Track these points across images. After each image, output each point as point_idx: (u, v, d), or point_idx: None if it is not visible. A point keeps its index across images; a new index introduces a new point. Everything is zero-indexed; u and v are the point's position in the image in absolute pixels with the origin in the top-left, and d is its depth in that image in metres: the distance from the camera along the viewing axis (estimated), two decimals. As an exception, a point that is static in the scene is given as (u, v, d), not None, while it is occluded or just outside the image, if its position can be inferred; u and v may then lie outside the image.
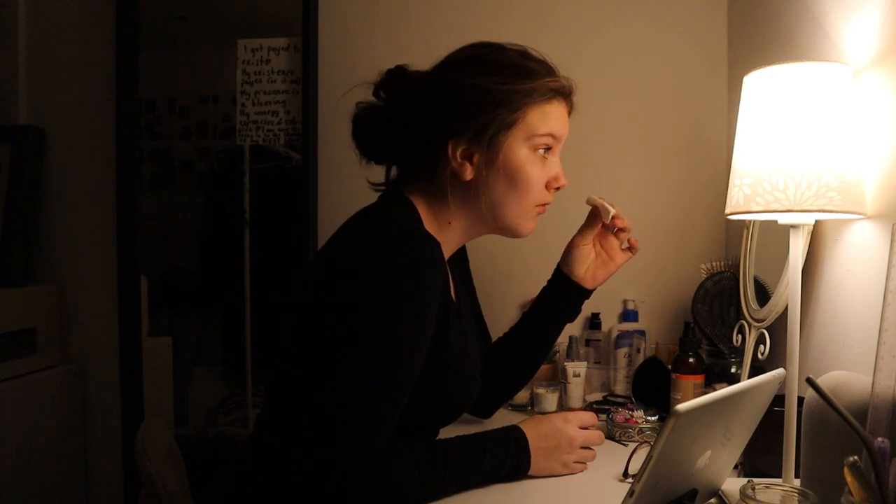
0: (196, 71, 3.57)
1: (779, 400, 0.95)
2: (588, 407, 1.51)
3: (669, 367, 1.38)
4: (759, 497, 0.73)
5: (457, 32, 1.83)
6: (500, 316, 1.84)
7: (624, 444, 1.30)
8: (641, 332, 1.71)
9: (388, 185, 1.12)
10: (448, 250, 1.09)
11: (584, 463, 1.11)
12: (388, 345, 0.82)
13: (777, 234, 1.18)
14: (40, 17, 1.90)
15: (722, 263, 1.54)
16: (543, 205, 1.08)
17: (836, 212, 0.95)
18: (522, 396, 1.56)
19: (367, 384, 0.81)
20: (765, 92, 0.99)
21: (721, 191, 1.18)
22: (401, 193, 1.06)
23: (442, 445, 0.95)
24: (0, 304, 1.69)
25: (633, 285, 1.80)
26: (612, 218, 1.16)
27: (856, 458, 0.61)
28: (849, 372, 0.90)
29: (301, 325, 0.92)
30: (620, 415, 1.35)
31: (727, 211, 1.04)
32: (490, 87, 0.99)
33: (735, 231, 1.65)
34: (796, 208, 0.94)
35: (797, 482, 0.93)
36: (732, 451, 0.92)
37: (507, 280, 1.84)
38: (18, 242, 1.82)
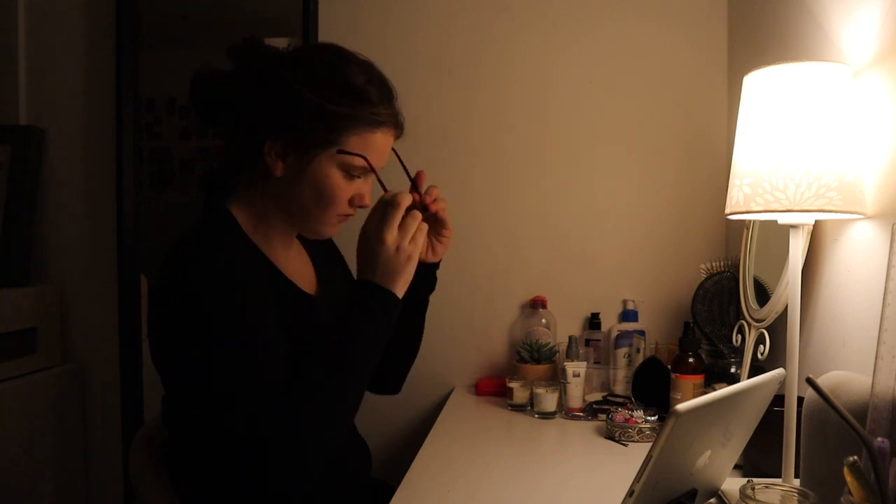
0: (196, 71, 3.56)
1: (779, 400, 0.95)
2: (588, 407, 1.51)
3: (669, 367, 1.38)
4: (758, 497, 0.73)
5: (457, 32, 1.85)
6: (502, 314, 1.85)
7: (624, 444, 1.30)
8: (641, 332, 1.71)
9: (217, 180, 1.14)
10: (281, 241, 1.11)
11: (411, 225, 1.02)
12: (227, 335, 0.94)
13: (777, 234, 1.18)
14: (40, 17, 1.90)
15: (722, 263, 1.54)
16: (346, 215, 1.09)
17: (836, 212, 0.95)
18: (522, 396, 1.56)
19: (231, 364, 0.93)
20: (764, 92, 0.99)
21: (721, 191, 1.18)
22: (220, 204, 1.09)
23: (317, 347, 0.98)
24: (0, 304, 1.69)
25: (633, 285, 1.80)
26: (425, 204, 1.12)
27: (856, 458, 0.61)
28: (849, 372, 0.91)
29: (157, 343, 1.03)
30: (620, 415, 1.35)
31: (727, 211, 1.04)
32: (316, 103, 0.99)
33: (735, 231, 1.65)
34: (796, 208, 0.94)
35: (797, 482, 0.93)
36: (732, 451, 0.92)
37: (508, 278, 1.84)
38: (18, 242, 1.82)
